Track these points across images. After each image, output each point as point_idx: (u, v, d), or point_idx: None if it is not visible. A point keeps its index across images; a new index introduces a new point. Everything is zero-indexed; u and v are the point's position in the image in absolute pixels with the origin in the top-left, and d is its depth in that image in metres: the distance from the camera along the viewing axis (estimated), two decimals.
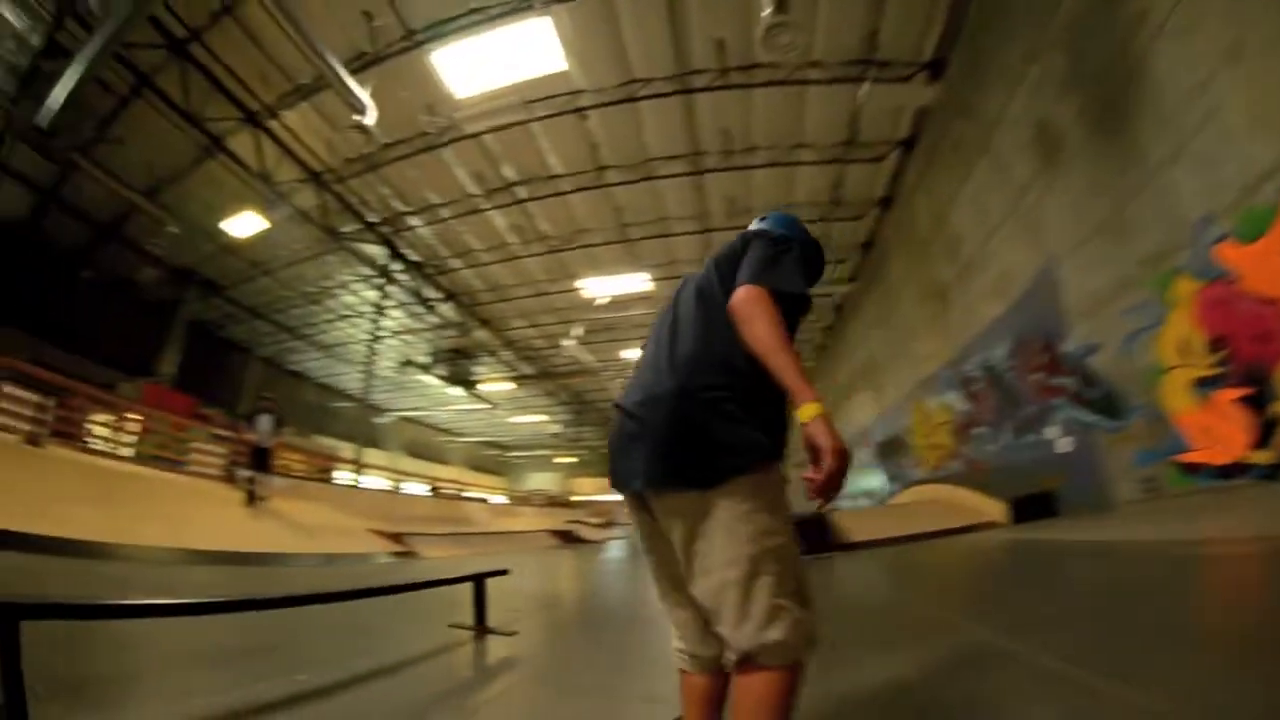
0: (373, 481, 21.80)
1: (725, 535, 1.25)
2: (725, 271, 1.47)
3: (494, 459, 44.83)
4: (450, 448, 39.47)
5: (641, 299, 18.23)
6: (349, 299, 19.75)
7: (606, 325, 20.66)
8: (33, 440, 7.42)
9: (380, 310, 19.92)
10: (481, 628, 3.67)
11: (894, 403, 15.79)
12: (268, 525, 8.11)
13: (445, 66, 9.98)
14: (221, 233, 14.46)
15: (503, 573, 4.05)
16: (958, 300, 10.86)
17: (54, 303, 16.52)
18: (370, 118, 9.58)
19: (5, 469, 6.23)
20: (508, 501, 22.56)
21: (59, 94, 9.00)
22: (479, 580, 3.78)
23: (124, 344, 17.84)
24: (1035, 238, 8.00)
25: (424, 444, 35.97)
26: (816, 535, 7.86)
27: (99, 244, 16.54)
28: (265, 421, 9.57)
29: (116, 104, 11.43)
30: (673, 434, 1.29)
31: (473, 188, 13.58)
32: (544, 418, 34.53)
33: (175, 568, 5.55)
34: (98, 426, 11.35)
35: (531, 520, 15.90)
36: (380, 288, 16.50)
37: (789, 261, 1.44)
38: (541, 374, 24.19)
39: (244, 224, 13.73)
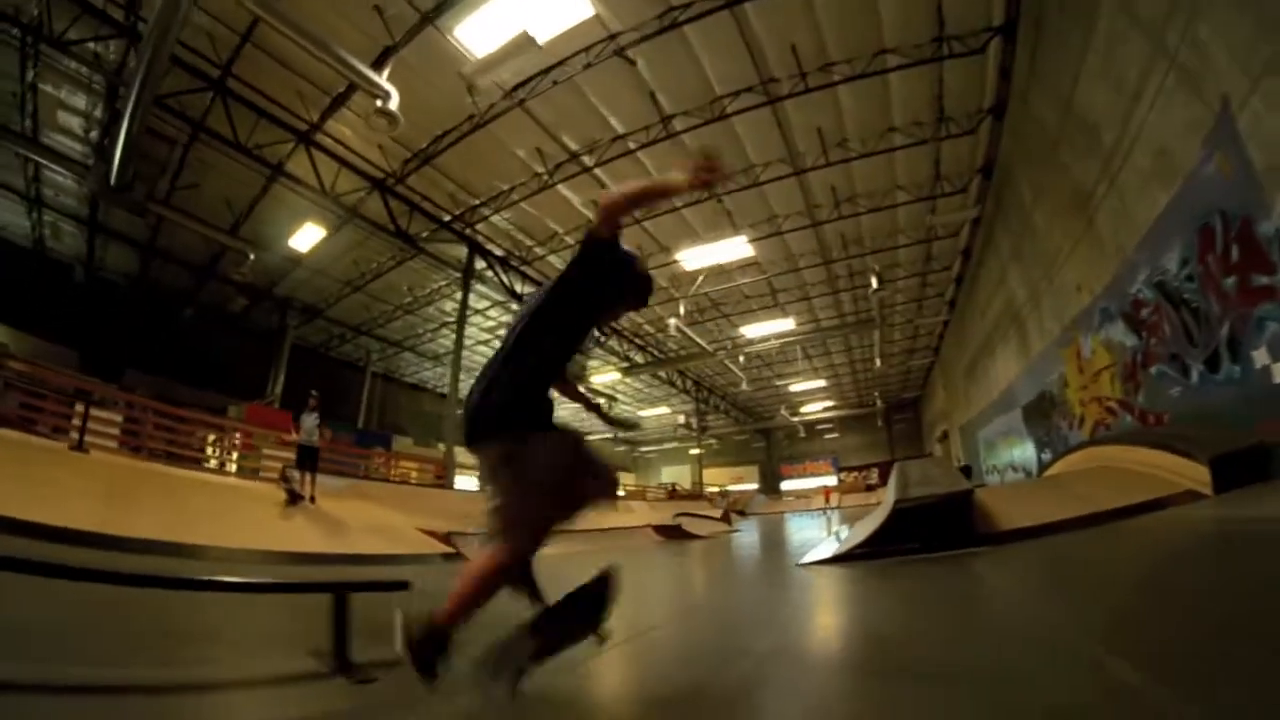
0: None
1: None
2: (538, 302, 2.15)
3: (623, 455, 44.70)
4: None
5: (745, 266, 16.80)
6: (448, 305, 19.89)
7: (713, 301, 19.45)
8: (78, 447, 7.72)
9: (476, 311, 20.04)
10: (340, 662, 2.61)
11: (1041, 352, 13.24)
12: (295, 525, 7.66)
13: (470, 39, 9.45)
14: (304, 254, 14.89)
15: (399, 586, 2.99)
16: (1106, 205, 8.53)
17: (169, 342, 18.82)
18: (394, 102, 9.12)
19: (39, 468, 6.42)
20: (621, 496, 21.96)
21: (117, 147, 9.72)
22: (340, 593, 2.71)
23: (235, 372, 19.58)
24: (1195, 84, 5.80)
25: None
26: (953, 523, 6.01)
27: (201, 283, 18.13)
28: (310, 420, 9.24)
29: (181, 153, 12.36)
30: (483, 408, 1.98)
31: (537, 165, 12.86)
32: (666, 410, 33.77)
33: (136, 556, 5.12)
34: (206, 444, 12.58)
35: (640, 515, 14.98)
36: (469, 287, 16.22)
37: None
38: (653, 361, 23.20)
39: (306, 237, 13.98)
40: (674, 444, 42.01)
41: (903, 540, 5.98)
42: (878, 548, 6.08)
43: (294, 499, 8.46)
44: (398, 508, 9.80)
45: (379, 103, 9.16)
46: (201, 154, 12.37)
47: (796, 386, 30.46)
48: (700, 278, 16.76)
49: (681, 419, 34.34)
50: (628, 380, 27.56)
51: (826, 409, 36.15)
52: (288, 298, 19.12)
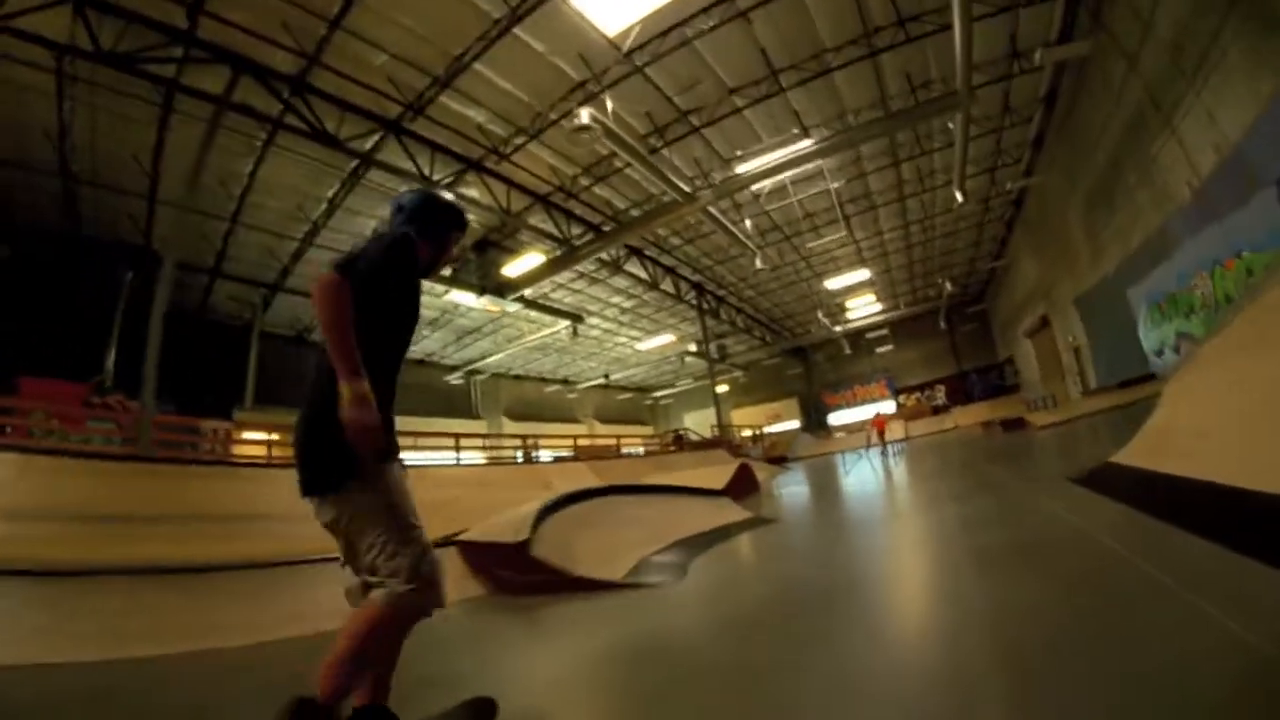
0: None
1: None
2: None
3: (633, 405, 37.48)
4: (573, 401, 32.58)
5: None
6: (277, 201, 12.80)
7: (679, 106, 11.84)
8: None
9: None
10: None
11: None
12: None
13: None
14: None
15: None
16: None
17: None
18: None
19: None
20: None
21: None
22: None
23: (58, 352, 13.27)
24: None
25: (533, 403, 29.27)
26: None
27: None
28: None
29: None
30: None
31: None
32: (670, 338, 26.29)
33: None
34: None
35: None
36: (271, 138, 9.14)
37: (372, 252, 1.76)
38: (599, 236, 15.17)
39: None
40: (690, 383, 34.54)
41: None
42: None
43: None
44: None
45: None
46: None
47: (835, 282, 22.58)
48: (631, 37, 9.06)
49: (693, 346, 26.80)
50: (594, 292, 20.04)
51: (875, 315, 28.16)
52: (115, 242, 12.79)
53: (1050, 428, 13.70)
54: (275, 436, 13.40)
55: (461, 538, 4.24)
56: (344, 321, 1.56)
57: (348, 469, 1.63)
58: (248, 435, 14.76)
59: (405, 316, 1.85)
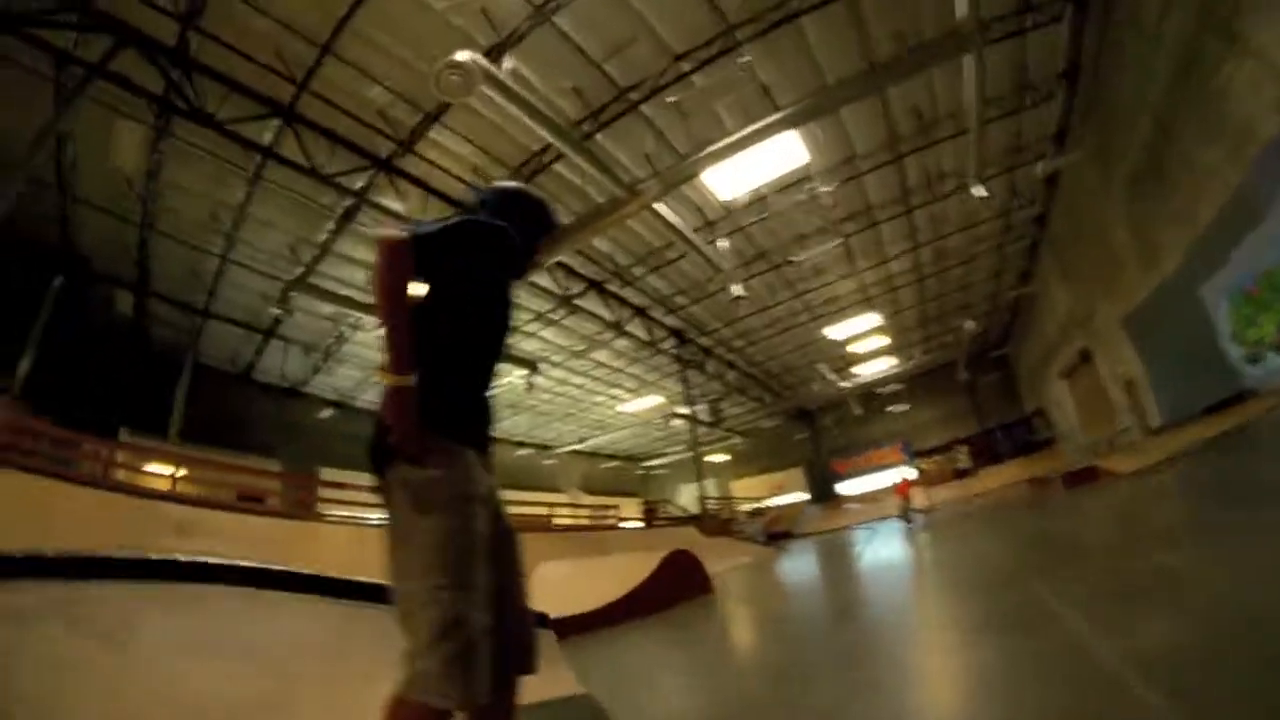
0: None
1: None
2: None
3: (622, 475, 34.09)
4: (553, 468, 29.37)
5: None
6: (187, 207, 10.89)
7: (614, 79, 9.58)
8: None
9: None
10: None
11: None
12: None
13: None
14: None
15: None
16: None
17: None
18: None
19: None
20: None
21: None
22: None
23: None
24: None
25: (505, 468, 26.08)
26: None
27: None
28: None
29: None
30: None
31: None
32: (659, 399, 23.47)
33: None
34: None
35: None
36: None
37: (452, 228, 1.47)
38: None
39: None
40: (683, 450, 31.28)
41: None
42: None
43: None
44: None
45: None
46: None
47: (838, 329, 19.85)
48: None
49: (685, 409, 23.78)
50: (553, 338, 17.32)
51: (888, 369, 25.23)
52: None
53: (1144, 474, 10.07)
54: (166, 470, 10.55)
55: None
56: (399, 291, 1.32)
57: (388, 451, 1.32)
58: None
59: (495, 307, 1.59)
